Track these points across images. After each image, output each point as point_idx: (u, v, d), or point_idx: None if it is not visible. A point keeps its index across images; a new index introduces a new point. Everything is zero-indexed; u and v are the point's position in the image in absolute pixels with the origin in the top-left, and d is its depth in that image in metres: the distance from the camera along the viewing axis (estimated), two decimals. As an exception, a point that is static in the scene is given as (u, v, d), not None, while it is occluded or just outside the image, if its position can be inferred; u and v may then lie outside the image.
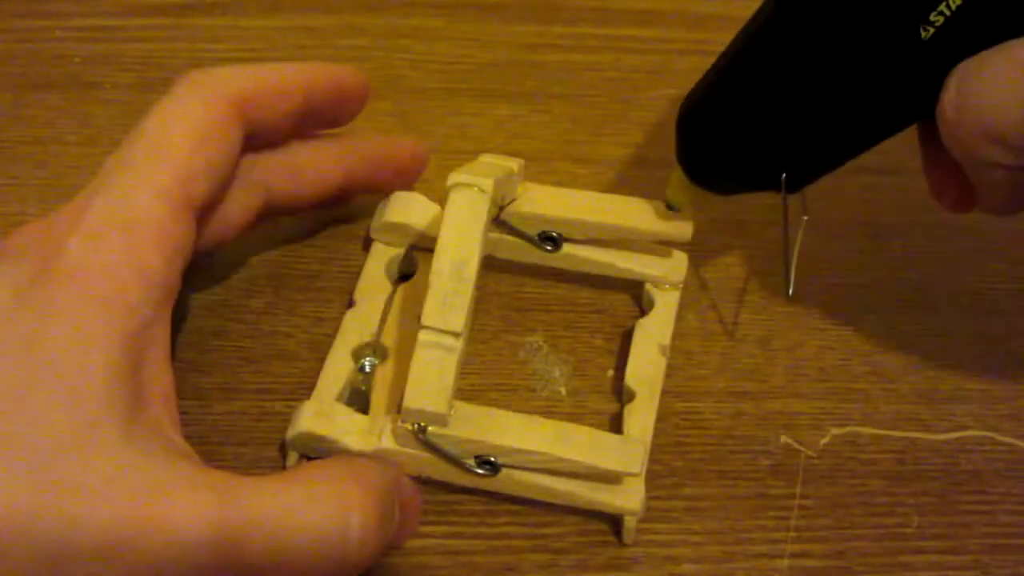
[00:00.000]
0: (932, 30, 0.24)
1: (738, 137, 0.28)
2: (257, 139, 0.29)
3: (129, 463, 0.21)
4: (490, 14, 0.45)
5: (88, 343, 0.22)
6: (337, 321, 0.33)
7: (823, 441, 0.32)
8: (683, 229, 0.32)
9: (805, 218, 0.31)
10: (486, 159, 0.32)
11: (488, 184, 0.29)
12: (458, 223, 0.29)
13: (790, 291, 0.31)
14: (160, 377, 0.24)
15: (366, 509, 0.23)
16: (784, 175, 0.28)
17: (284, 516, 0.22)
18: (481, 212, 0.29)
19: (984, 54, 0.23)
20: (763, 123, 0.28)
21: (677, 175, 0.31)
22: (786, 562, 0.29)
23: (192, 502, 0.21)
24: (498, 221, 0.33)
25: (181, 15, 0.44)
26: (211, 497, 0.22)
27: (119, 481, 0.21)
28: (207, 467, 0.23)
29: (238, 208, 0.30)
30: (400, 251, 0.34)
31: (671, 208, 0.32)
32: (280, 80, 0.29)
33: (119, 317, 0.23)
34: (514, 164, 0.32)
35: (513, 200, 0.32)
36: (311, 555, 0.23)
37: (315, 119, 0.31)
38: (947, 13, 0.23)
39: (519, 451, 0.28)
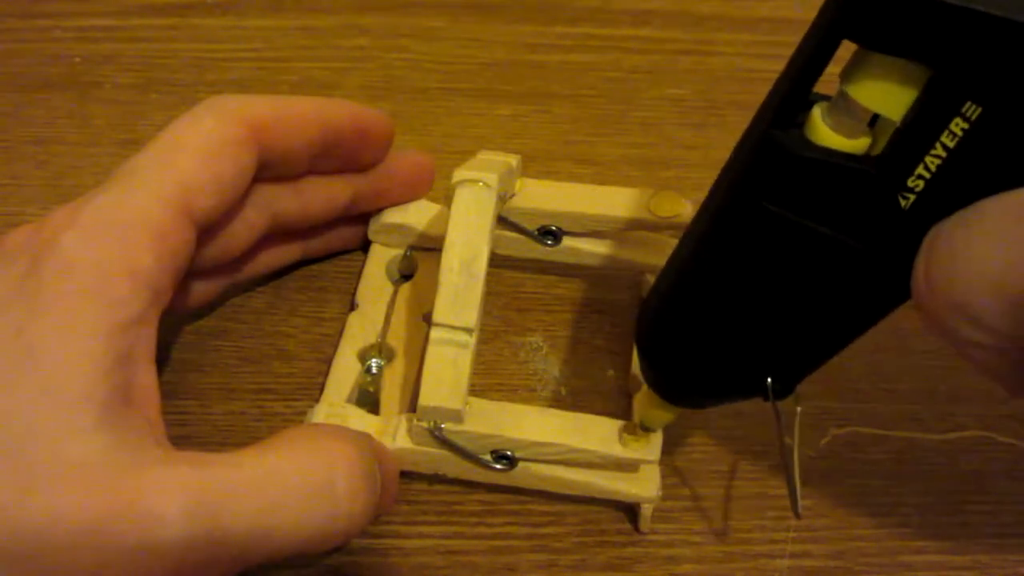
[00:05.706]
0: (913, 197, 0.20)
1: (709, 344, 0.24)
2: (272, 170, 0.29)
3: (104, 451, 0.21)
4: (490, 14, 0.45)
5: (71, 334, 0.22)
6: (337, 321, 0.33)
7: (823, 441, 0.32)
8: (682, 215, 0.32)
9: (799, 409, 0.25)
10: (484, 155, 0.32)
11: (493, 179, 0.29)
12: (465, 219, 0.29)
13: (798, 511, 0.26)
14: (143, 376, 0.24)
15: (349, 461, 0.24)
16: (769, 380, 0.24)
17: (266, 479, 0.22)
18: (487, 207, 0.29)
19: (959, 213, 0.18)
20: (734, 325, 0.23)
21: (644, 393, 0.27)
22: (786, 562, 0.29)
23: (166, 477, 0.21)
24: (498, 217, 0.33)
25: (181, 15, 0.44)
26: (187, 471, 0.22)
27: (92, 468, 0.21)
28: (186, 450, 0.23)
29: (242, 226, 0.30)
30: (399, 252, 0.35)
31: (646, 430, 0.28)
32: (297, 110, 0.29)
33: (105, 311, 0.23)
34: (512, 159, 0.32)
35: (512, 196, 0.32)
36: (299, 515, 0.23)
37: (334, 158, 0.31)
38: (927, 176, 0.19)
39: (536, 444, 0.28)
